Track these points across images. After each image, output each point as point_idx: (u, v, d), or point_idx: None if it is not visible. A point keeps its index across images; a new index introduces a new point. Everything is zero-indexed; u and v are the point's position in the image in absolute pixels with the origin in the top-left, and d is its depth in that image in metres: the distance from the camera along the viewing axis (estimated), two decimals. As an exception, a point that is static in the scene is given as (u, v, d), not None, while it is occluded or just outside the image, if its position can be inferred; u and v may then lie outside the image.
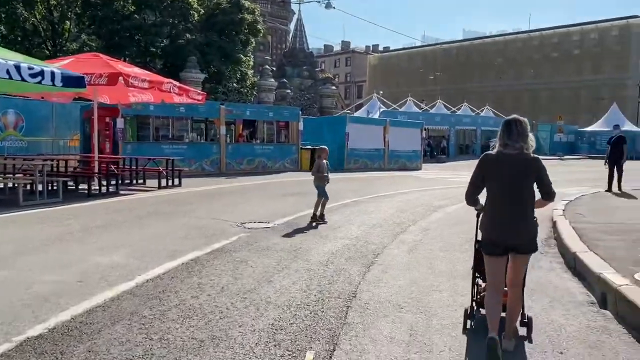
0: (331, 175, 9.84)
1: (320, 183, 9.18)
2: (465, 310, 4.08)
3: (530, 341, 3.87)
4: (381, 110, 36.72)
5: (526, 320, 3.95)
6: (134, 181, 15.27)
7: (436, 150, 40.62)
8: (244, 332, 3.96)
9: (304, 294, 4.91)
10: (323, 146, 9.79)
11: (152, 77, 12.77)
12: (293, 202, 11.66)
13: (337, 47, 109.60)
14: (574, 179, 19.64)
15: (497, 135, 3.63)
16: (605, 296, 4.72)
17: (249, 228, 8.23)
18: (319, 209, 8.97)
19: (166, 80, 13.42)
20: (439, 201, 12.54)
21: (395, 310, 4.54)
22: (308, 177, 10.91)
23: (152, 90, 12.84)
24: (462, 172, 24.53)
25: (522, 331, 3.97)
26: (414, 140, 27.44)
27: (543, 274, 5.84)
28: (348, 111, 45.69)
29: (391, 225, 8.93)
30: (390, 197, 13.38)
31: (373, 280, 5.46)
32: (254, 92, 39.38)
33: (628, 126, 44.92)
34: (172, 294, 4.85)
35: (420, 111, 42.82)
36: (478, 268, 4.11)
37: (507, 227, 3.49)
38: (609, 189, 14.03)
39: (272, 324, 4.14)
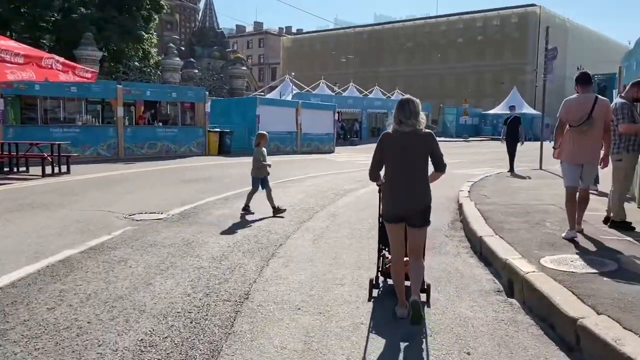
0: (240, 159, 9.16)
1: (259, 174, 8.29)
2: (371, 280, 4.31)
3: (429, 306, 4.17)
4: (294, 92, 36.14)
5: (425, 287, 4.23)
6: (15, 169, 13.61)
7: (349, 133, 40.82)
8: (103, 353, 3.24)
9: (187, 299, 4.24)
10: (262, 132, 8.73)
11: (28, 52, 11.20)
12: (194, 189, 10.81)
13: (249, 28, 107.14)
14: (479, 160, 20.47)
15: (392, 114, 3.89)
16: (512, 284, 4.49)
17: (137, 220, 7.35)
18: (249, 200, 8.27)
19: (46, 54, 11.88)
20: (350, 184, 12.24)
21: (292, 312, 4.01)
22: (214, 161, 10.07)
23: (31, 66, 11.29)
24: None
25: (423, 297, 4.14)
26: (326, 123, 27.19)
27: (449, 261, 5.57)
28: (261, 93, 44.66)
29: (298, 212, 8.42)
30: (300, 181, 12.89)
31: (270, 277, 4.90)
32: (158, 72, 37.19)
33: (526, 109, 47.78)
34: (22, 306, 3.99)
35: (333, 94, 42.75)
36: (383, 240, 4.45)
37: (403, 198, 3.83)
38: (511, 170, 14.38)
39: (142, 339, 3.45)
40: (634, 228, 6.18)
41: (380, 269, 4.51)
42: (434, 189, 3.96)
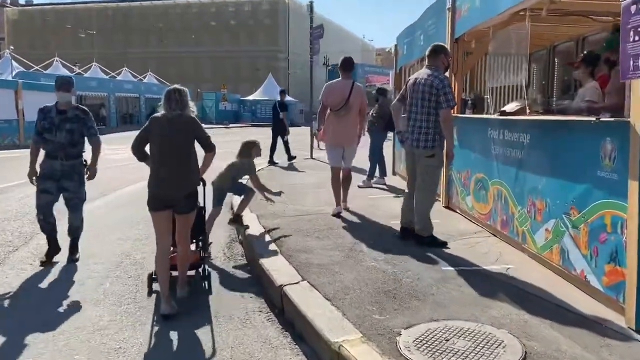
0: None
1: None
2: (149, 275, 4.17)
3: (211, 292, 4.19)
4: (17, 71, 29.27)
5: (207, 274, 4.34)
6: None
7: (95, 120, 35.26)
8: None
9: None
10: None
11: None
12: None
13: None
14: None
15: (162, 102, 3.87)
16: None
17: None
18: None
19: None
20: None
21: None
22: None
23: None
24: (124, 145, 20.95)
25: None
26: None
27: (237, 335, 3.37)
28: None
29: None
30: (5, 192, 9.15)
31: None
32: None
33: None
34: None
35: (71, 74, 36.41)
36: None
37: (167, 183, 3.78)
38: (271, 161, 12.70)
39: None
40: (447, 244, 4.95)
41: None
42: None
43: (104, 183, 10.25)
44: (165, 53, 66.53)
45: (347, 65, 6.26)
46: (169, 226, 3.87)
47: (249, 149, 5.84)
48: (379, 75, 75.16)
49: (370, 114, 8.75)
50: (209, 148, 3.96)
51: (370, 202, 7.40)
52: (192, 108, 3.93)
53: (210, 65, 67.07)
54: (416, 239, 5.00)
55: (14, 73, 27.64)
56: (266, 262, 4.40)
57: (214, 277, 4.54)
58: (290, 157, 13.07)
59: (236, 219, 5.90)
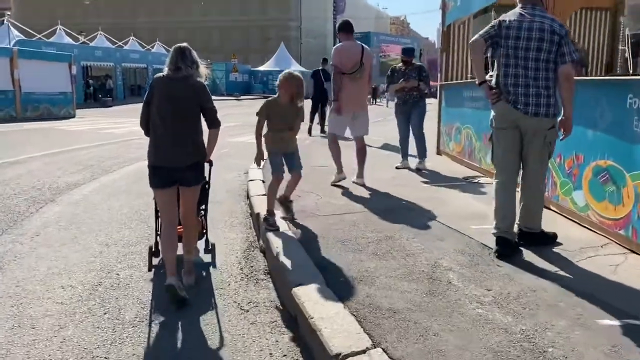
0: None
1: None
2: (150, 248, 3.79)
3: (215, 266, 3.87)
4: (16, 40, 27.65)
5: (210, 248, 4.01)
6: None
7: (101, 92, 33.90)
8: None
9: None
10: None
11: None
12: None
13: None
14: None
15: (167, 60, 3.38)
16: None
17: None
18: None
19: None
20: (70, 176, 7.59)
21: None
22: None
23: None
24: (130, 119, 19.52)
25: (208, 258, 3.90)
26: (60, 79, 20.67)
27: None
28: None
29: None
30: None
31: None
32: None
33: (294, 66, 46.58)
34: None
35: (75, 44, 34.80)
36: None
37: (169, 153, 3.29)
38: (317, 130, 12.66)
39: None
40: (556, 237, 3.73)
41: (159, 233, 3.76)
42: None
43: (100, 162, 8.82)
44: (173, 23, 64.51)
45: (349, 27, 5.96)
46: (174, 201, 3.45)
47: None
48: (395, 45, 72.95)
49: (420, 80, 7.18)
50: (215, 123, 3.45)
51: (429, 193, 5.81)
52: (203, 72, 3.42)
53: (219, 35, 64.97)
54: (529, 241, 3.71)
55: (12, 42, 26.03)
56: (307, 304, 2.82)
57: (224, 316, 3.07)
58: (323, 130, 12.49)
59: (286, 204, 4.74)
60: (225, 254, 4.22)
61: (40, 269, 3.85)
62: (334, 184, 6.03)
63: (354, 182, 6.09)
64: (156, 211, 3.80)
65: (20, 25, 32.72)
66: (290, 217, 4.59)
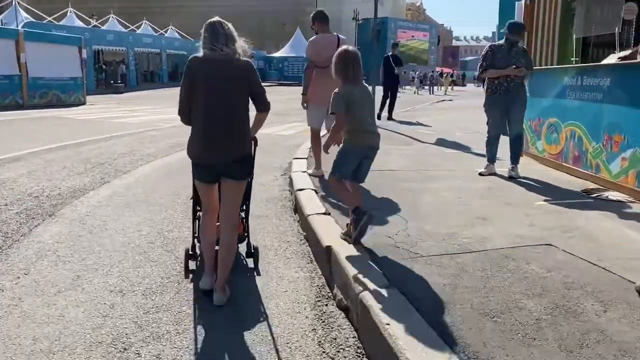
0: None
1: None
2: (186, 250, 3.38)
3: (259, 273, 3.45)
4: (25, 22, 26.41)
5: (252, 251, 3.54)
6: None
7: (114, 77, 32.67)
8: None
9: None
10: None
11: None
12: None
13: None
14: (281, 112, 15.45)
15: (201, 39, 2.98)
16: None
17: None
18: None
19: None
20: (76, 178, 6.35)
21: None
22: None
23: None
24: (144, 107, 18.27)
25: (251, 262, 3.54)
26: (70, 63, 19.43)
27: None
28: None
29: None
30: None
31: None
32: None
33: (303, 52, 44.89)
34: None
35: (87, 27, 33.55)
36: (198, 198, 3.34)
37: (214, 143, 2.94)
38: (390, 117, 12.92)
39: None
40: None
41: (196, 235, 3.46)
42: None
43: (112, 160, 7.55)
44: (186, 7, 63.10)
45: (323, 16, 5.86)
46: (216, 197, 3.12)
47: None
48: (413, 30, 70.92)
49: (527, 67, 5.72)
50: (264, 106, 3.13)
51: (555, 218, 4.24)
52: (240, 46, 2.97)
53: (233, 20, 62.92)
54: None
55: (20, 24, 24.80)
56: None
57: None
58: (391, 117, 12.75)
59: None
60: (288, 311, 2.93)
61: (22, 344, 2.56)
62: (313, 175, 5.80)
63: (310, 175, 5.83)
64: (194, 211, 3.45)
65: (30, 7, 31.50)
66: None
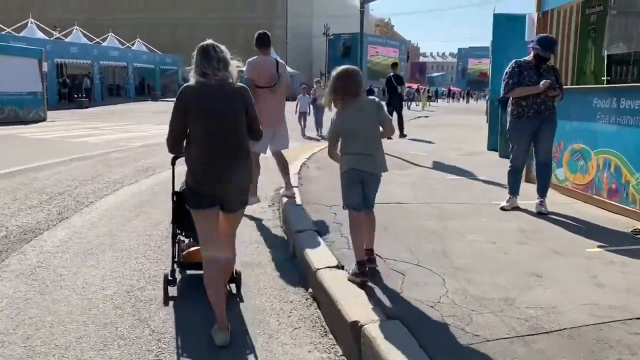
0: None
1: None
2: (165, 276, 3.27)
3: (242, 299, 3.32)
4: (-19, 33, 24.87)
5: (235, 276, 3.40)
6: None
7: (77, 92, 31.20)
8: None
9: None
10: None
11: None
12: None
13: None
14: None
15: (193, 64, 2.90)
16: None
17: None
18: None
19: None
20: (27, 214, 5.41)
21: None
22: None
23: None
24: (108, 123, 17.16)
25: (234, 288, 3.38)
26: (29, 77, 18.12)
27: None
28: None
29: None
30: None
31: None
32: None
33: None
34: None
35: (49, 39, 32.04)
36: (179, 220, 3.35)
37: (219, 174, 2.82)
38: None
39: None
40: None
41: (175, 259, 3.38)
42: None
43: (72, 189, 6.58)
44: (155, 19, 61.82)
45: (266, 40, 5.67)
46: (217, 227, 2.93)
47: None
48: (382, 46, 71.18)
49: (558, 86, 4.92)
50: (257, 134, 3.04)
51: (614, 275, 3.38)
52: (233, 72, 2.90)
53: (204, 32, 62.11)
54: None
55: (-24, 35, 23.29)
56: None
57: None
58: (403, 134, 12.38)
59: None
60: None
61: None
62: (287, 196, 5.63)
63: (283, 196, 5.64)
64: (173, 235, 3.40)
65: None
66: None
